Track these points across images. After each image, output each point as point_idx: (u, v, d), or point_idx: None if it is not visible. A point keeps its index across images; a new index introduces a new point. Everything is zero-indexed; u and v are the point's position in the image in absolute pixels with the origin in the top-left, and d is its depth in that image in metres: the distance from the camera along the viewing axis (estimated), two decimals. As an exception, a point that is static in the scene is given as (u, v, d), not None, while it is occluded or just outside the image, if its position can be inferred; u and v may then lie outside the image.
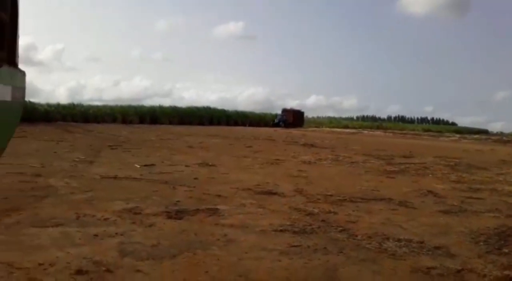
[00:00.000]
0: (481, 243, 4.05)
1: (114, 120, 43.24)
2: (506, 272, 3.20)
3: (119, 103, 50.30)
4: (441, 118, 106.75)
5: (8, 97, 2.09)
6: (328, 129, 51.65)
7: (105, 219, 4.40)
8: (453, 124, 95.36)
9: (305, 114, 61.72)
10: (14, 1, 2.27)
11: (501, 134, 67.06)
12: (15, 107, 2.27)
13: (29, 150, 11.03)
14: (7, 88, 2.07)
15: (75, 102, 46.75)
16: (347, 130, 47.41)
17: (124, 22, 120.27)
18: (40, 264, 3.01)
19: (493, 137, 41.82)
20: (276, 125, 51.38)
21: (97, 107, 46.60)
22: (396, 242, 3.96)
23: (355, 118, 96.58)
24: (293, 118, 54.31)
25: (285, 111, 56.17)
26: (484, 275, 3.16)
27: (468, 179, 8.68)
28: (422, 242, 3.99)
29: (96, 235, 3.81)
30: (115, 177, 7.25)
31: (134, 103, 51.35)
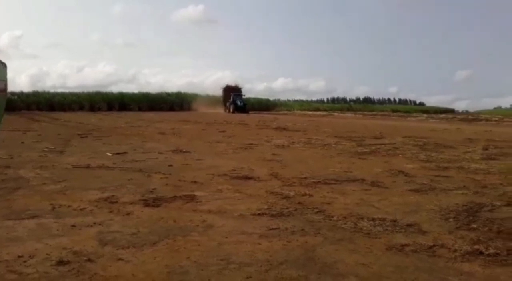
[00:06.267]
0: (451, 220, 4.22)
1: (81, 107, 42.33)
2: (476, 247, 3.35)
3: (84, 90, 49.13)
4: (408, 99, 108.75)
5: None
6: (299, 112, 51.64)
7: (82, 209, 4.36)
8: (421, 104, 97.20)
9: (275, 98, 58.65)
10: None
11: (467, 112, 68.97)
12: (1, 98, 2.24)
13: (-5, 141, 10.71)
14: None
15: (38, 89, 45.57)
16: (318, 113, 47.69)
17: (79, 6, 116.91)
18: (19, 256, 2.97)
19: (459, 116, 42.91)
20: (241, 109, 42.98)
21: (62, 94, 45.49)
22: (371, 222, 4.08)
23: (325, 100, 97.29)
24: None
25: (229, 89, 48.84)
26: (455, 250, 3.30)
27: (436, 158, 8.95)
28: (395, 221, 4.12)
29: (73, 226, 3.78)
30: (88, 166, 7.15)
31: (99, 90, 50.25)
